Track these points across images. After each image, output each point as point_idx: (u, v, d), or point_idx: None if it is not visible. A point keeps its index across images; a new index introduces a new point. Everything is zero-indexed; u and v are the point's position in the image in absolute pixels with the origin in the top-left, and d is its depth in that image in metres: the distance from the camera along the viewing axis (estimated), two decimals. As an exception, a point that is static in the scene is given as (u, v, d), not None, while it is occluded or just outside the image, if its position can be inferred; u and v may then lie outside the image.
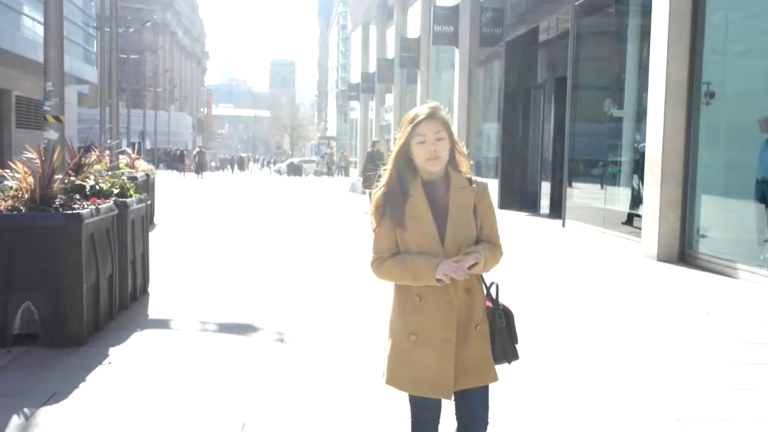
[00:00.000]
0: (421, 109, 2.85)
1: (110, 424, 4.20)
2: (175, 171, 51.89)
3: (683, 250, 10.53)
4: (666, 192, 10.55)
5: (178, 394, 4.69)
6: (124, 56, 40.06)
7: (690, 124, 10.43)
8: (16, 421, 4.20)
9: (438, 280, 2.72)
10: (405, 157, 2.85)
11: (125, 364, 5.34)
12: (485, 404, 2.91)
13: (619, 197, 13.56)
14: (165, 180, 32.61)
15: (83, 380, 4.93)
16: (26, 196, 5.91)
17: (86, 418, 4.28)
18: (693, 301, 8.00)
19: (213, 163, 70.29)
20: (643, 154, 11.51)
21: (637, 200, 12.24)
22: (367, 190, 16.86)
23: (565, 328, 6.55)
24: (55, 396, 4.60)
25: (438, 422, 2.92)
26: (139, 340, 6.03)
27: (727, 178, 10.44)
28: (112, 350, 5.66)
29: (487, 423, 2.91)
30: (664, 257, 10.54)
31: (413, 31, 33.15)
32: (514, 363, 2.98)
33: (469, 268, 2.75)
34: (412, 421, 2.93)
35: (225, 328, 6.44)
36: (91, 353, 5.57)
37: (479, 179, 2.95)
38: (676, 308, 7.62)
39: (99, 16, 37.44)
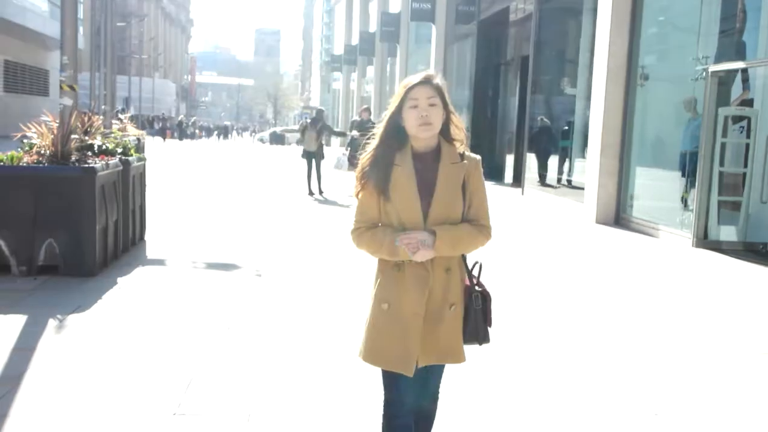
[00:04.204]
0: (416, 76, 2.78)
1: (125, 326, 5.46)
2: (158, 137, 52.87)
3: (618, 214, 11.90)
4: (605, 163, 11.89)
5: (175, 309, 5.97)
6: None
7: (627, 103, 11.75)
8: (53, 323, 5.46)
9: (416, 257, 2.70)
10: (396, 123, 2.75)
11: (132, 289, 6.61)
12: (439, 380, 2.92)
13: (566, 167, 15.05)
14: (150, 145, 33.54)
15: (100, 298, 6.20)
16: (48, 151, 7.13)
17: (107, 321, 5.55)
18: (622, 256, 9.40)
19: (197, 131, 70.96)
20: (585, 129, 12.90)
21: (574, 169, 13.91)
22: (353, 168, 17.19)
23: (520, 282, 7.86)
24: (80, 308, 5.85)
25: (410, 405, 2.85)
26: (141, 273, 7.29)
27: (656, 151, 11.80)
28: (120, 279, 6.92)
29: (437, 398, 2.96)
30: (602, 220, 11.91)
31: (395, 5, 34.18)
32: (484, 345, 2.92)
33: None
34: (384, 405, 2.88)
35: (212, 266, 7.73)
36: (103, 281, 6.82)
37: (472, 154, 2.84)
38: (608, 262, 9.00)
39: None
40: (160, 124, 53.04)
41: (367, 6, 43.61)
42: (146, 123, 55.45)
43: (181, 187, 16.37)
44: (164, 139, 50.72)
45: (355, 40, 44.90)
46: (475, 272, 2.87)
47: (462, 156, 2.79)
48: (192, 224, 10.59)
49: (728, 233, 9.78)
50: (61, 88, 7.74)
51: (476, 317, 2.81)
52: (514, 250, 9.54)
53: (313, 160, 15.66)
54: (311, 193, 15.42)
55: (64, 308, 5.82)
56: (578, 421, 4.00)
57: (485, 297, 2.85)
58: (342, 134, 21.08)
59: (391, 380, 2.80)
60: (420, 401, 2.87)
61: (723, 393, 4.51)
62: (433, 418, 3.01)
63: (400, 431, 2.84)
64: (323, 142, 16.12)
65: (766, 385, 4.69)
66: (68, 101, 7.64)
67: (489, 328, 2.88)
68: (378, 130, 2.81)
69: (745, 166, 9.81)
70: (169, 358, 4.75)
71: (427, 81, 2.74)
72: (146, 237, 9.14)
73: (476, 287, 2.84)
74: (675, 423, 4.02)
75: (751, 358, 5.26)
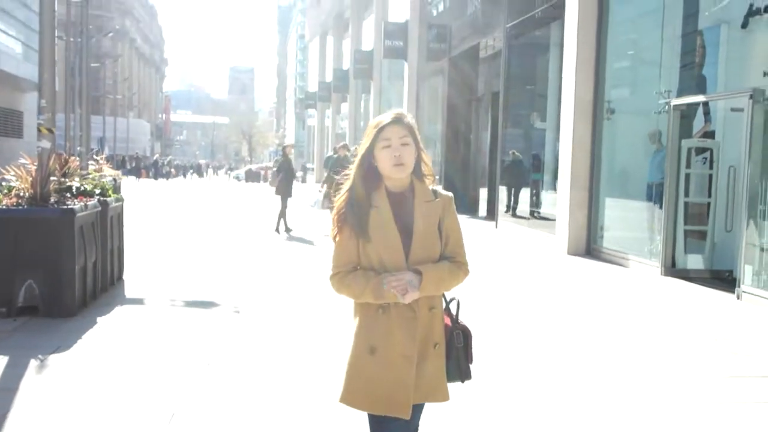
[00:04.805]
0: (386, 115, 2.76)
1: (106, 365, 5.54)
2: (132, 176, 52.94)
3: (589, 245, 12.16)
4: (575, 195, 12.18)
5: (155, 347, 6.06)
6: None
7: (594, 136, 12.08)
8: (34, 363, 5.53)
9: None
10: (369, 163, 2.74)
11: (112, 329, 6.69)
12: (420, 414, 2.87)
13: (538, 200, 15.38)
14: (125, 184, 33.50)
15: (80, 338, 6.27)
16: (27, 194, 7.23)
17: (87, 361, 5.63)
18: (593, 287, 9.62)
19: (172, 170, 70.99)
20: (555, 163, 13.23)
21: (545, 201, 14.32)
22: (330, 206, 16.83)
23: (496, 317, 8.03)
24: (60, 348, 5.93)
25: None
26: (120, 312, 7.37)
27: (624, 182, 12.12)
28: (99, 319, 7.00)
29: (418, 429, 2.90)
30: (573, 251, 12.16)
31: (367, 43, 34.70)
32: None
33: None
34: None
35: (190, 304, 7.83)
36: (83, 321, 6.89)
37: (444, 192, 2.85)
38: (579, 294, 9.21)
39: (64, 23, 38.15)
40: (134, 164, 53.22)
41: (340, 44, 44.19)
42: (120, 163, 55.71)
43: (158, 226, 16.42)
44: (138, 178, 50.82)
45: (329, 77, 45.42)
46: (453, 309, 2.87)
47: (435, 193, 2.79)
48: (169, 263, 10.68)
49: (695, 261, 10.05)
50: (39, 131, 7.86)
51: (458, 355, 2.82)
52: (490, 284, 9.70)
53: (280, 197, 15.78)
54: (287, 230, 15.48)
55: (44, 349, 5.89)
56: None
57: (466, 334, 2.86)
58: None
59: (378, 424, 2.77)
60: None
61: (690, 417, 4.69)
62: None
63: None
64: (291, 178, 16.23)
65: (732, 409, 4.87)
66: (46, 144, 7.77)
67: (470, 365, 2.90)
68: (351, 170, 2.79)
69: (709, 196, 10.10)
70: (150, 393, 4.85)
71: (398, 120, 2.73)
72: (124, 276, 9.21)
73: (457, 325, 2.85)
74: (641, 445, 4.19)
75: (718, 382, 5.45)
